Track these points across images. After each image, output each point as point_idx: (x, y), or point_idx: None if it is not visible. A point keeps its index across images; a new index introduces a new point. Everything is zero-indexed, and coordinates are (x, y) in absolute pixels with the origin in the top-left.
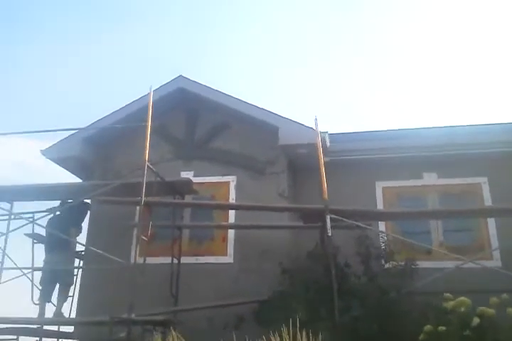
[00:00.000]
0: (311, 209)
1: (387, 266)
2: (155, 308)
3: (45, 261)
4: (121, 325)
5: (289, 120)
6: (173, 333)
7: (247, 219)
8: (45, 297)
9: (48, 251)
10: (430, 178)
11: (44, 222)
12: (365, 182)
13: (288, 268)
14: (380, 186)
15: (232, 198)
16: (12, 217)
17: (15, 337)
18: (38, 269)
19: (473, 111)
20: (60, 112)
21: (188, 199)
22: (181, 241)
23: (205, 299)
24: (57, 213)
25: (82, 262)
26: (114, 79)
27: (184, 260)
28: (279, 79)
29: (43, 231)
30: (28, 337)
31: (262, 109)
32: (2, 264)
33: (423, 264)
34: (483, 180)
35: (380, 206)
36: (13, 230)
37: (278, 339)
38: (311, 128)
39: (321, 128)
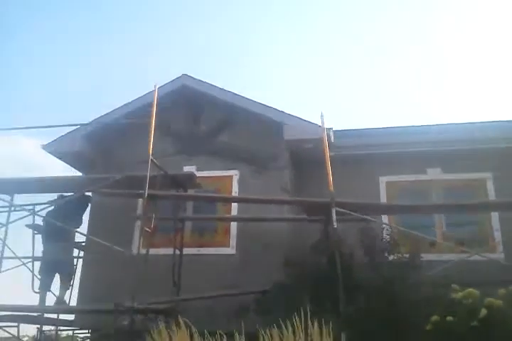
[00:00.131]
0: (316, 202)
1: (391, 258)
2: (156, 297)
3: (44, 251)
4: (123, 314)
5: (294, 116)
6: (180, 320)
7: (250, 212)
8: (45, 286)
9: (47, 241)
10: (434, 173)
11: (44, 213)
12: (368, 177)
13: (291, 259)
14: (383, 181)
15: (234, 192)
16: (12, 208)
17: (15, 324)
18: (38, 259)
19: (478, 108)
20: (64, 111)
21: (191, 193)
22: (183, 233)
23: (207, 290)
24: (58, 205)
25: (82, 252)
26: (120, 78)
27: (186, 251)
28: (283, 77)
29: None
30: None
31: (266, 105)
32: (2, 254)
33: (426, 257)
34: (487, 176)
35: (383, 200)
36: (13, 221)
37: (290, 329)
38: (316, 124)
39: (326, 125)
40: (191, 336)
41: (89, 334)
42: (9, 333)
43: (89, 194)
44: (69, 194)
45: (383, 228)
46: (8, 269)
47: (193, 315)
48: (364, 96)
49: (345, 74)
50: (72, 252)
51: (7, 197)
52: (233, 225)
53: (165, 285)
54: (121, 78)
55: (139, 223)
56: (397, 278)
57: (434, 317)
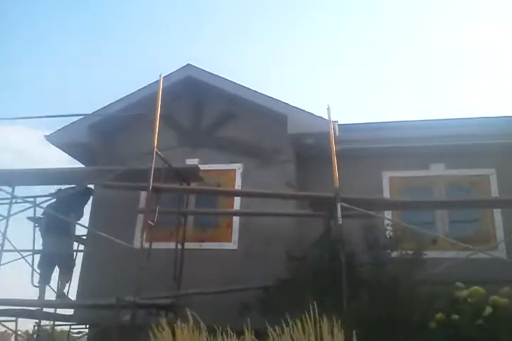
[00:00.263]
0: (320, 197)
1: (394, 255)
2: (157, 292)
3: (44, 245)
4: (124, 309)
5: (298, 109)
6: (188, 314)
7: (252, 207)
8: (45, 280)
9: (47, 234)
10: (438, 169)
11: (45, 206)
12: (371, 171)
13: (294, 255)
14: (386, 176)
15: (237, 186)
16: (14, 200)
17: (14, 318)
18: (38, 252)
19: (483, 104)
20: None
21: (193, 186)
22: (186, 227)
23: (209, 285)
24: (59, 197)
25: (82, 246)
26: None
27: (188, 246)
28: (287, 71)
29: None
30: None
31: (271, 97)
32: (2, 247)
33: (428, 254)
34: (491, 172)
35: (386, 196)
36: (14, 214)
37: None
38: (321, 117)
39: (332, 118)
40: (195, 331)
41: (86, 329)
42: (7, 328)
43: (91, 186)
44: (69, 186)
45: (387, 224)
46: (8, 262)
47: (194, 311)
48: (368, 91)
49: (350, 69)
50: (72, 245)
51: (8, 189)
52: (235, 220)
53: (166, 280)
54: (125, 70)
55: (141, 216)
56: (401, 274)
57: (439, 315)
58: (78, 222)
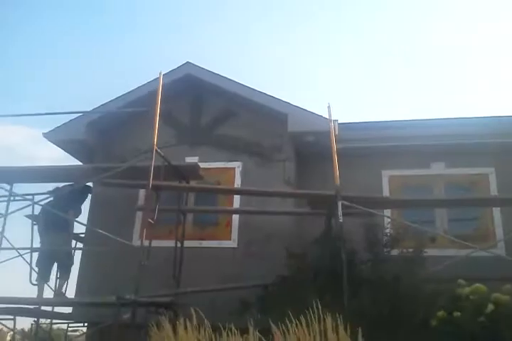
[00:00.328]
0: (321, 195)
1: (393, 253)
2: (156, 290)
3: (42, 243)
4: (125, 307)
5: (299, 107)
6: (193, 312)
7: (251, 205)
8: (43, 278)
9: (45, 232)
10: (438, 168)
11: (43, 203)
12: (371, 170)
13: (294, 253)
14: (386, 175)
15: (237, 184)
16: (12, 198)
17: (12, 317)
18: (36, 250)
19: (483, 103)
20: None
21: (192, 184)
22: (185, 225)
23: (208, 283)
24: (57, 195)
25: (81, 244)
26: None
27: (187, 244)
28: (287, 70)
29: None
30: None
31: (271, 96)
32: (0, 245)
33: (427, 252)
34: (490, 171)
35: (386, 194)
36: (12, 212)
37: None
38: (321, 115)
39: (328, 117)
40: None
41: (84, 328)
42: (4, 326)
43: (90, 184)
44: (67, 184)
45: (388, 222)
46: (6, 260)
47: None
48: (368, 90)
49: (351, 69)
50: (70, 243)
51: (6, 186)
52: (235, 218)
53: (165, 278)
54: (123, 68)
55: (140, 214)
56: (402, 272)
57: (441, 313)
58: (76, 219)
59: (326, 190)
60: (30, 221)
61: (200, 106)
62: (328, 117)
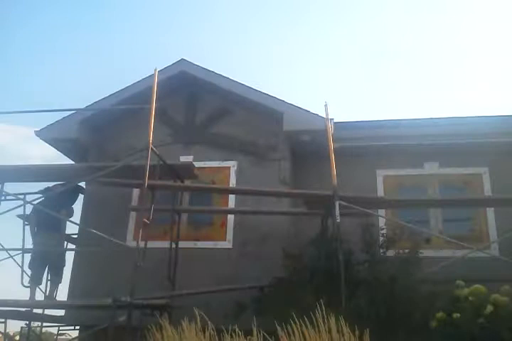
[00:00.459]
0: (318, 195)
1: (390, 253)
2: (151, 292)
3: (34, 243)
4: (121, 309)
5: (294, 106)
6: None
7: (247, 205)
8: (36, 280)
9: (37, 232)
10: (431, 168)
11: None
12: (366, 170)
13: (290, 254)
14: (380, 174)
15: (232, 183)
16: (3, 198)
17: (3, 320)
18: (29, 251)
19: (477, 102)
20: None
21: (187, 184)
22: (179, 225)
23: (203, 285)
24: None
25: (73, 245)
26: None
27: (182, 244)
28: (283, 69)
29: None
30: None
31: (266, 94)
32: None
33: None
34: (483, 171)
35: (380, 194)
36: (4, 212)
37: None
38: (317, 114)
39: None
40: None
41: (74, 331)
42: None
43: (81, 184)
44: (58, 183)
45: (384, 223)
46: None
47: (189, 311)
48: (365, 90)
49: (348, 68)
50: (63, 244)
51: None
52: (230, 218)
53: (159, 279)
54: (117, 65)
55: (133, 214)
56: (398, 273)
57: (440, 314)
58: (70, 219)
59: (322, 189)
60: (21, 221)
61: (195, 104)
62: (324, 116)
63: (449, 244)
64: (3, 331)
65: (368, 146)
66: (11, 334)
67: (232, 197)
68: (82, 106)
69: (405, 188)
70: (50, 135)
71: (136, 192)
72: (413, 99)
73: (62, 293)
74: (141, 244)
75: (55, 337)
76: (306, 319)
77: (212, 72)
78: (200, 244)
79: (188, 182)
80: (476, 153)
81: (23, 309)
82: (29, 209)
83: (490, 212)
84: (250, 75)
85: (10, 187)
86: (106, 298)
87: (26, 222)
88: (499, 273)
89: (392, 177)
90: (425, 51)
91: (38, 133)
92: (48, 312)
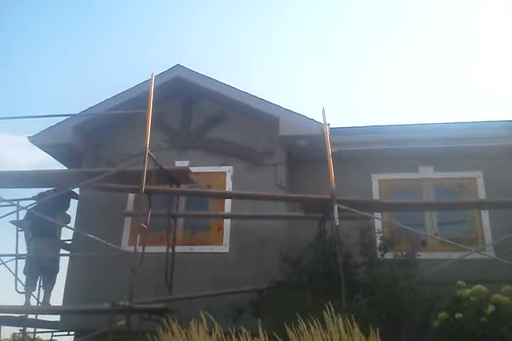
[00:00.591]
0: (316, 198)
1: (388, 256)
2: (147, 297)
3: (28, 249)
4: (119, 314)
5: (290, 111)
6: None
7: (243, 210)
8: (31, 285)
9: (32, 238)
10: (426, 172)
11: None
12: (361, 174)
13: (289, 257)
14: (376, 179)
15: (228, 188)
16: None
17: None
18: (22, 257)
19: (472, 108)
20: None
21: (186, 188)
22: (176, 230)
23: (201, 289)
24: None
25: (67, 251)
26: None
27: (178, 249)
28: (278, 74)
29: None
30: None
31: (262, 99)
32: None
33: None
34: (478, 175)
35: (376, 198)
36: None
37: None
38: (313, 119)
39: (322, 121)
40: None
41: (68, 336)
42: None
43: (74, 190)
44: (50, 189)
45: (382, 226)
46: None
47: (186, 316)
48: (357, 94)
49: (338, 72)
50: (57, 249)
51: None
52: (226, 223)
53: (156, 284)
54: (112, 71)
55: (128, 220)
56: (397, 275)
57: (442, 314)
58: (68, 224)
59: (318, 193)
60: (14, 227)
61: (190, 109)
62: (320, 121)
63: (445, 247)
64: None
65: (363, 151)
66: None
67: (228, 202)
68: (76, 112)
69: (400, 192)
70: (43, 141)
71: (131, 197)
72: (407, 105)
73: (54, 299)
74: (139, 248)
75: None
76: (309, 320)
77: (208, 77)
78: (197, 249)
79: (184, 187)
80: (470, 157)
81: (17, 315)
82: (23, 215)
83: (484, 215)
84: (246, 80)
85: (3, 193)
86: (103, 303)
87: (20, 228)
88: (495, 274)
89: (387, 181)
90: (420, 54)
91: (32, 139)
92: (42, 318)
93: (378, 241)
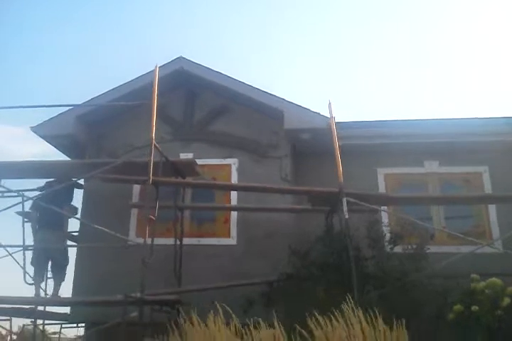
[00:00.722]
0: (324, 191)
1: (396, 249)
2: (156, 289)
3: (35, 241)
4: (132, 305)
5: (295, 104)
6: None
7: (249, 202)
8: (39, 277)
9: (40, 230)
10: (431, 166)
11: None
12: (367, 168)
13: (298, 249)
14: (381, 173)
15: (233, 181)
16: (0, 194)
17: (8, 318)
18: (30, 248)
19: (478, 103)
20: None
21: (193, 180)
22: (183, 222)
23: (209, 281)
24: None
25: (73, 243)
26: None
27: (185, 241)
28: (282, 67)
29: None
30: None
31: (267, 92)
32: None
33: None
34: (484, 169)
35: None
36: (3, 209)
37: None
38: (318, 113)
39: (328, 114)
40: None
41: (79, 328)
42: (2, 327)
43: (79, 181)
44: (51, 180)
45: (391, 219)
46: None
47: (196, 307)
48: (363, 89)
49: (343, 66)
50: (66, 241)
51: None
52: (233, 215)
53: (164, 276)
54: (113, 62)
55: (135, 211)
56: (408, 268)
57: (457, 307)
58: (76, 215)
59: (323, 187)
60: (20, 218)
61: (194, 101)
62: (325, 114)
63: (453, 240)
64: (7, 329)
65: (369, 145)
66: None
67: (234, 195)
68: (79, 103)
69: (406, 186)
70: (46, 131)
71: (135, 188)
72: (414, 100)
73: (65, 291)
74: (148, 240)
75: (58, 335)
76: (322, 312)
77: (211, 69)
78: (204, 241)
79: (189, 179)
80: (476, 152)
81: (27, 306)
82: (28, 206)
83: (492, 209)
84: (251, 73)
85: (8, 184)
86: (112, 294)
87: (26, 219)
88: (503, 268)
89: (392, 175)
90: (424, 50)
91: (34, 129)
92: (52, 309)
93: (387, 235)
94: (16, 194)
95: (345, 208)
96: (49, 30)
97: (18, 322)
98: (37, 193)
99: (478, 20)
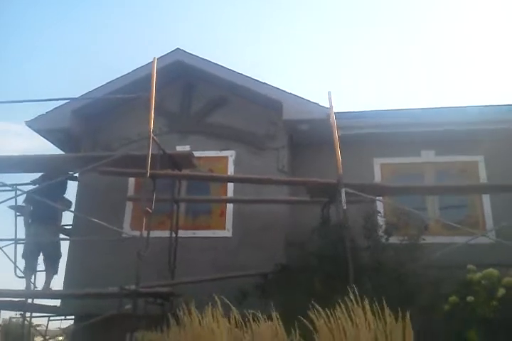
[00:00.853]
0: (322, 182)
1: (392, 240)
2: (150, 282)
3: (28, 234)
4: (126, 297)
5: (293, 95)
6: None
7: (246, 194)
8: (31, 269)
9: (32, 224)
10: (428, 156)
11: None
12: (363, 158)
13: (293, 241)
14: (378, 163)
15: (230, 173)
16: None
17: None
18: (21, 242)
19: (473, 92)
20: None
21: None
22: (178, 214)
23: (203, 273)
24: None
25: (66, 236)
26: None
27: (181, 234)
28: (280, 57)
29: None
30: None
31: (265, 83)
32: None
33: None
34: (479, 158)
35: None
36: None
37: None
38: (317, 103)
39: (326, 105)
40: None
41: (66, 321)
42: None
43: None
44: (42, 174)
45: (386, 209)
46: None
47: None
48: (360, 79)
49: (341, 56)
50: (58, 234)
51: None
52: (229, 208)
53: (158, 269)
54: (110, 56)
55: (130, 204)
56: (403, 259)
57: (452, 298)
58: (70, 208)
59: (321, 178)
60: (12, 212)
61: (191, 93)
62: (324, 105)
63: (447, 231)
64: None
65: (365, 135)
66: None
67: (230, 187)
68: (74, 96)
69: (402, 176)
70: (41, 125)
71: (131, 181)
72: (412, 89)
73: (57, 283)
74: (144, 233)
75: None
76: (319, 303)
77: (209, 61)
78: (199, 233)
79: (186, 172)
80: (471, 141)
81: (17, 299)
82: (21, 200)
83: (486, 199)
84: (249, 64)
85: (2, 179)
86: (104, 287)
87: (18, 213)
88: (497, 258)
89: (389, 165)
90: (423, 40)
91: (29, 124)
92: (42, 302)
93: (383, 225)
94: (10, 188)
95: (343, 199)
96: (45, 24)
97: (5, 315)
98: (31, 187)
99: (477, 7)
